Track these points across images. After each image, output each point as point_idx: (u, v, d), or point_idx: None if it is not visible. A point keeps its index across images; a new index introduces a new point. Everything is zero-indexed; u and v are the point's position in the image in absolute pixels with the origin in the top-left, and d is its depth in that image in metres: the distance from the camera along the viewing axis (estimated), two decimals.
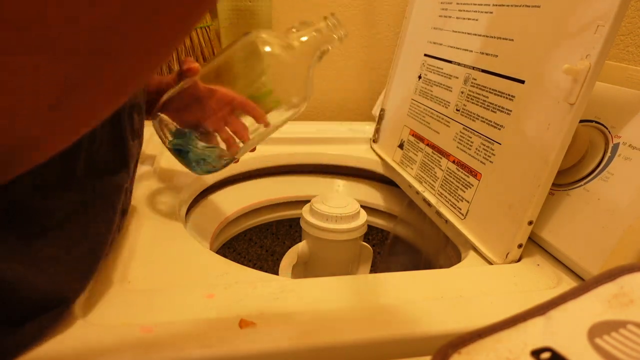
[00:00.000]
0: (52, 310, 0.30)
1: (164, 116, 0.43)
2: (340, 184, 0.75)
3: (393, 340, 0.32)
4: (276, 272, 0.62)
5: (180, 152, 0.45)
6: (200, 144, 0.44)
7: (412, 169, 0.61)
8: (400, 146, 0.65)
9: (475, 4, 0.53)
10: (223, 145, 0.45)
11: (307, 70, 0.44)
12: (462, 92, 0.53)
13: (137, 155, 0.42)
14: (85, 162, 0.30)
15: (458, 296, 0.37)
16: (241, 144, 0.45)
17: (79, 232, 0.30)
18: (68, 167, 0.29)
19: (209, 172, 0.46)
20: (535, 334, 0.23)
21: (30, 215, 0.28)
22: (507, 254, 0.43)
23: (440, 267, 0.60)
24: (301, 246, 0.61)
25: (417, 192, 0.59)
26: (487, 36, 0.50)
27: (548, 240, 0.43)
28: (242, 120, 0.44)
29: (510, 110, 0.45)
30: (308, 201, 0.61)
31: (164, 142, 0.45)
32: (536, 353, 0.21)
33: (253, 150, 0.49)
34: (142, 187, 0.54)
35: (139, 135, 0.38)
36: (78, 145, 0.29)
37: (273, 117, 0.46)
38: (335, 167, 0.74)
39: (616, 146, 0.41)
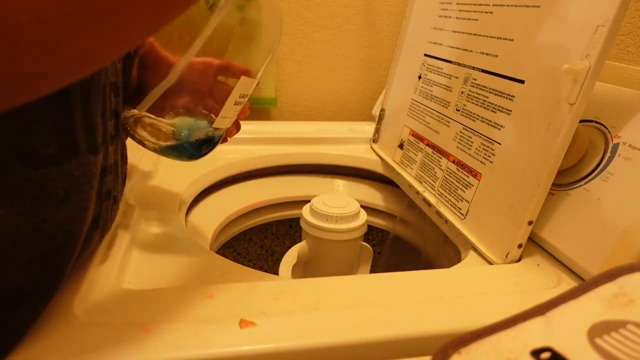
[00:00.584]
0: (40, 294, 0.29)
1: (146, 116, 0.38)
2: (340, 184, 0.75)
3: (393, 340, 0.32)
4: (276, 272, 0.62)
5: (177, 148, 0.40)
6: (200, 126, 0.40)
7: (412, 169, 0.61)
8: (400, 146, 0.65)
9: (475, 4, 0.53)
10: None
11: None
12: (462, 92, 0.53)
13: (116, 139, 0.40)
14: (84, 134, 0.29)
15: (458, 296, 0.37)
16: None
17: (75, 208, 0.30)
18: (67, 137, 0.28)
19: (208, 152, 0.43)
20: (535, 334, 0.23)
21: (28, 190, 0.27)
22: (507, 254, 0.43)
23: (440, 267, 0.60)
24: (301, 246, 0.61)
25: (417, 192, 0.59)
26: (487, 36, 0.50)
27: (548, 240, 0.43)
28: (228, 85, 0.40)
29: (510, 110, 0.45)
30: (308, 201, 0.61)
31: (147, 145, 0.40)
32: (536, 353, 0.21)
33: (244, 115, 0.45)
34: (142, 187, 0.54)
35: (116, 116, 0.36)
36: (72, 114, 0.28)
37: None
38: (335, 167, 0.74)
39: (616, 146, 0.41)
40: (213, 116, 0.40)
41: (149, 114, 0.39)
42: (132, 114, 0.39)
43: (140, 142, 0.41)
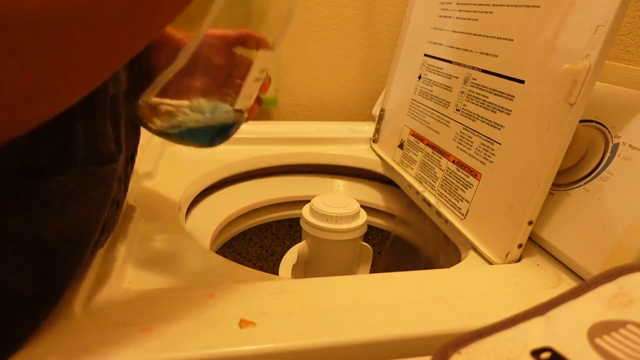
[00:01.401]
0: (43, 301, 0.29)
1: (158, 101, 0.35)
2: (340, 184, 0.75)
3: (393, 340, 0.32)
4: (276, 272, 0.62)
5: (195, 133, 0.37)
6: (221, 109, 0.37)
7: (412, 169, 0.61)
8: (400, 146, 0.65)
9: (475, 4, 0.53)
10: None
11: None
12: (462, 92, 0.53)
13: (133, 147, 0.40)
14: (85, 144, 0.29)
15: (458, 296, 0.37)
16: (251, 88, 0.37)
17: (74, 218, 0.30)
18: (65, 149, 0.28)
19: (230, 136, 0.39)
20: (535, 334, 0.23)
21: (26, 199, 0.27)
22: (507, 254, 0.43)
23: (440, 267, 0.60)
24: (301, 246, 0.61)
25: (417, 192, 0.59)
26: (487, 36, 0.50)
27: (548, 240, 0.43)
28: (247, 58, 0.37)
29: (510, 110, 0.45)
30: (308, 201, 0.61)
31: (162, 133, 0.36)
32: (536, 353, 0.21)
33: (265, 91, 0.41)
34: (142, 187, 0.54)
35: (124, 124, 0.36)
36: (73, 125, 0.28)
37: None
38: (335, 167, 0.74)
39: (616, 146, 0.41)
40: (233, 95, 0.37)
41: (167, 100, 0.36)
42: (145, 100, 0.36)
43: (151, 129, 0.37)
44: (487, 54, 0.50)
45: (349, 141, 0.75)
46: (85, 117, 0.29)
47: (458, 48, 0.55)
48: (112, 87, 0.31)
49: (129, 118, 0.37)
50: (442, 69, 0.58)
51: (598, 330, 0.22)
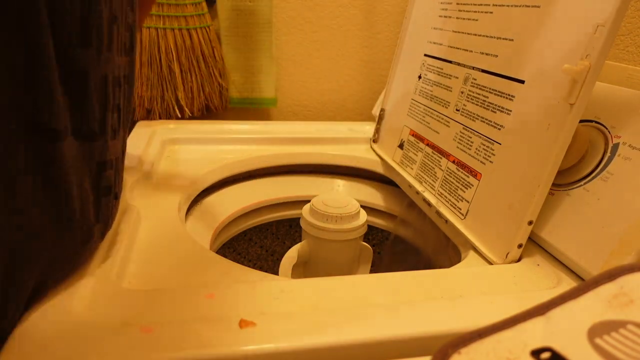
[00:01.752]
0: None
1: None
2: (340, 184, 0.75)
3: (393, 340, 0.32)
4: (276, 272, 0.62)
5: None
6: None
7: (412, 169, 0.61)
8: (400, 146, 0.65)
9: (475, 4, 0.53)
10: None
11: None
12: (462, 92, 0.53)
13: (118, 134, 0.40)
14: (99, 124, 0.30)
15: (458, 296, 0.37)
16: None
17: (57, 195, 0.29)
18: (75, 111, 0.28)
19: None
20: (535, 334, 0.23)
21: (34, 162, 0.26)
22: (507, 254, 0.43)
23: (440, 267, 0.60)
24: (301, 246, 0.61)
25: (417, 192, 0.59)
26: (487, 36, 0.50)
27: (548, 240, 0.43)
28: None
29: (510, 110, 0.45)
30: (308, 201, 0.61)
31: None
32: (536, 353, 0.21)
33: None
34: (142, 188, 0.54)
35: (119, 110, 0.36)
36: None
37: None
38: (335, 167, 0.74)
39: (616, 146, 0.41)
40: None
41: None
42: None
43: None
44: (487, 54, 0.50)
45: (349, 141, 0.75)
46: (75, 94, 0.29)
47: (458, 48, 0.55)
48: (104, 67, 0.31)
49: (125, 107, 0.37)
50: (442, 69, 0.58)
51: (598, 330, 0.22)
